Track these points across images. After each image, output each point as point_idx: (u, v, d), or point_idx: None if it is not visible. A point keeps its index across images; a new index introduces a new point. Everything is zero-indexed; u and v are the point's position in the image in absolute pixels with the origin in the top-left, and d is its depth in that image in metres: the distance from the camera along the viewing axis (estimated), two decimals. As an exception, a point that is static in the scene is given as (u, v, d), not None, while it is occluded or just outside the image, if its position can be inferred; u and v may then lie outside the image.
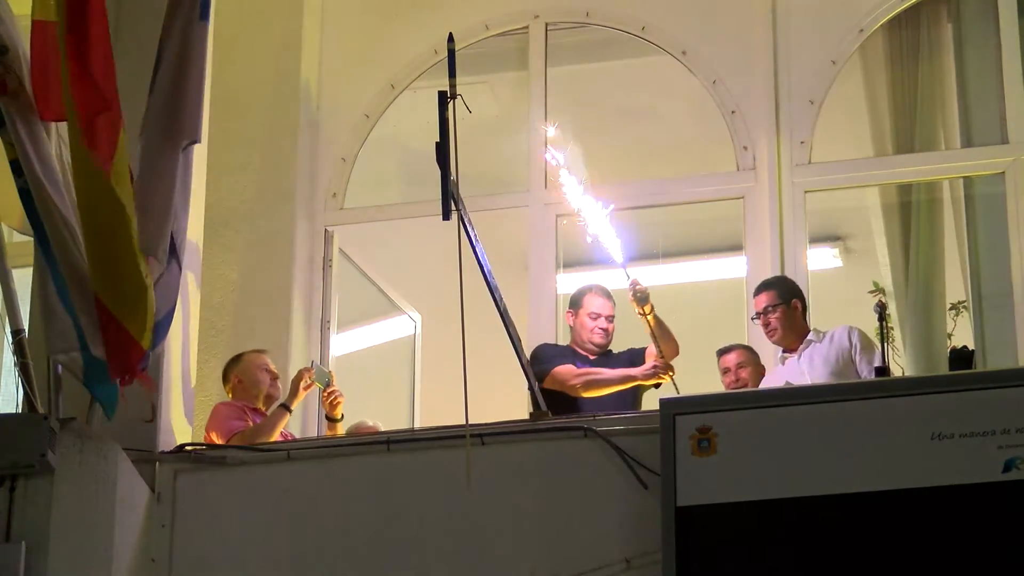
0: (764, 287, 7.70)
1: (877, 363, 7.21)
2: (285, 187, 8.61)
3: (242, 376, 7.41)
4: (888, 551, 5.80)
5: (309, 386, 7.36)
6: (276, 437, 7.17)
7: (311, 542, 6.44)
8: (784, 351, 7.63)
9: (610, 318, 7.76)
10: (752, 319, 7.72)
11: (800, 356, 7.53)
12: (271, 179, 8.61)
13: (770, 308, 7.58)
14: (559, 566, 6.21)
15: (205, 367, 7.65)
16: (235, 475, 6.62)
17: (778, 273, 8.02)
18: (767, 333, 7.63)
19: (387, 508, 6.44)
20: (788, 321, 7.58)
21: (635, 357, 7.77)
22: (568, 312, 7.88)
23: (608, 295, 7.81)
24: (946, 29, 8.54)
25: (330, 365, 8.26)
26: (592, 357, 7.77)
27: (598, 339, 7.77)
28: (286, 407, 7.26)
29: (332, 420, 7.54)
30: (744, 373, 7.67)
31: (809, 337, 7.55)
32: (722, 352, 7.81)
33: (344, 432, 7.61)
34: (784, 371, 7.57)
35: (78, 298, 5.99)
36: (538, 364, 7.60)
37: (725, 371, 7.74)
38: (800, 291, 7.69)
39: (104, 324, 5.91)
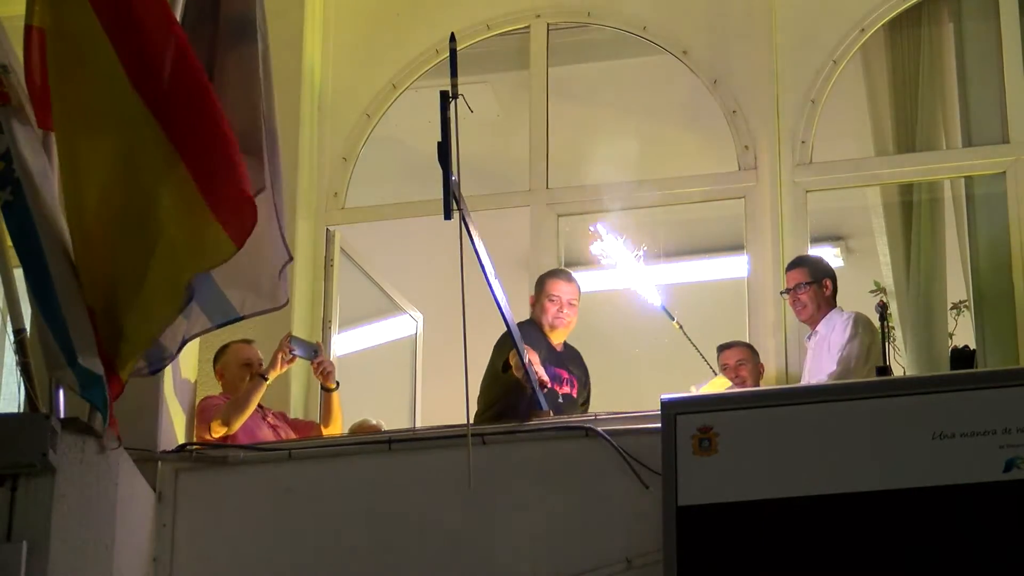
0: (797, 263, 7.72)
1: (844, 352, 7.25)
2: (286, 186, 8.55)
3: (224, 370, 7.41)
4: (888, 551, 5.81)
5: (291, 360, 7.26)
6: (253, 407, 7.10)
7: (311, 542, 6.44)
8: (810, 332, 7.64)
9: (572, 303, 7.43)
10: (781, 294, 7.74)
11: (812, 342, 7.55)
12: (272, 178, 8.59)
13: (802, 285, 7.60)
14: (559, 566, 6.22)
15: (206, 367, 7.63)
16: (236, 475, 6.63)
17: (779, 273, 8.02)
18: (797, 310, 7.64)
19: (388, 508, 6.44)
20: (818, 300, 7.60)
21: (575, 374, 7.46)
22: (531, 296, 7.62)
23: (572, 279, 7.51)
24: (947, 28, 8.53)
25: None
26: (555, 347, 7.43)
27: (559, 324, 7.42)
28: (263, 376, 7.19)
29: (327, 390, 7.48)
30: (744, 371, 7.68)
31: (818, 328, 7.54)
32: (722, 348, 7.81)
33: (343, 419, 7.58)
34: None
35: (70, 308, 5.98)
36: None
37: (724, 368, 7.74)
38: (832, 271, 7.71)
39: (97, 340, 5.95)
